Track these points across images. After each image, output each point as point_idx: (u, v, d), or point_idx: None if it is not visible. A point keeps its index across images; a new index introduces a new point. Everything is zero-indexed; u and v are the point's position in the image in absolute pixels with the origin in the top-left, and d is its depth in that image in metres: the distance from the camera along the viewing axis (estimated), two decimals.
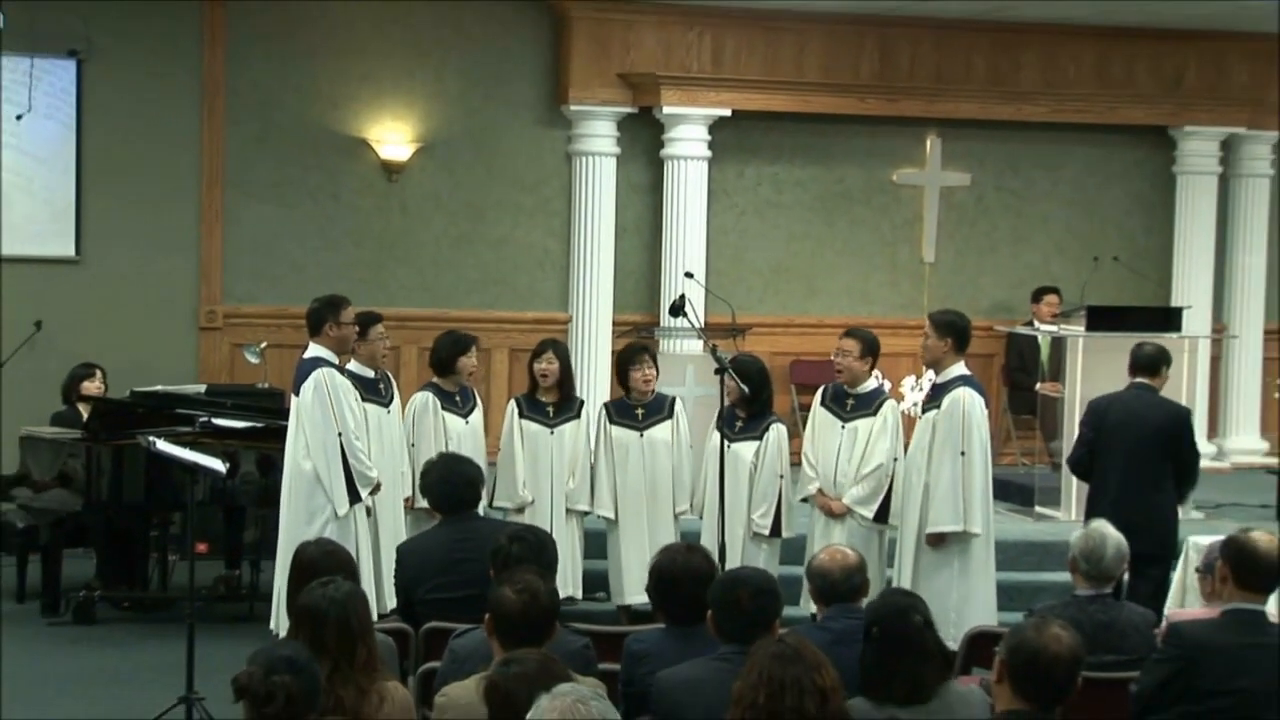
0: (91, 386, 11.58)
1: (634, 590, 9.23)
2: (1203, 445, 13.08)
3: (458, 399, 9.67)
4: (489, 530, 7.22)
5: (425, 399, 9.63)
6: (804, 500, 9.48)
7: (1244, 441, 14.45)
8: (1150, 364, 9.61)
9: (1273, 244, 14.68)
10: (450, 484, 7.82)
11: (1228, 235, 14.57)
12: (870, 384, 9.41)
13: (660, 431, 9.73)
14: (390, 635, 6.63)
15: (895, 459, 9.20)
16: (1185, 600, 8.70)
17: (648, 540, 9.15)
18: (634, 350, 9.98)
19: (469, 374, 9.85)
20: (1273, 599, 6.61)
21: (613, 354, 12.56)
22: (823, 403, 9.49)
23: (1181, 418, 9.66)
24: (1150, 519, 9.03)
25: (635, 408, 9.76)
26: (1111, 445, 9.38)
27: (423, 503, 9.27)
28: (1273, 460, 13.51)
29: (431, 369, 9.84)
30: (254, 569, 10.98)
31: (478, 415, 9.78)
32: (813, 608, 6.54)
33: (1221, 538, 6.87)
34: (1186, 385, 11.79)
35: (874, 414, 9.26)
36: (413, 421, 9.60)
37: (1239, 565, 6.55)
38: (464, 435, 9.52)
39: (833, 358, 9.58)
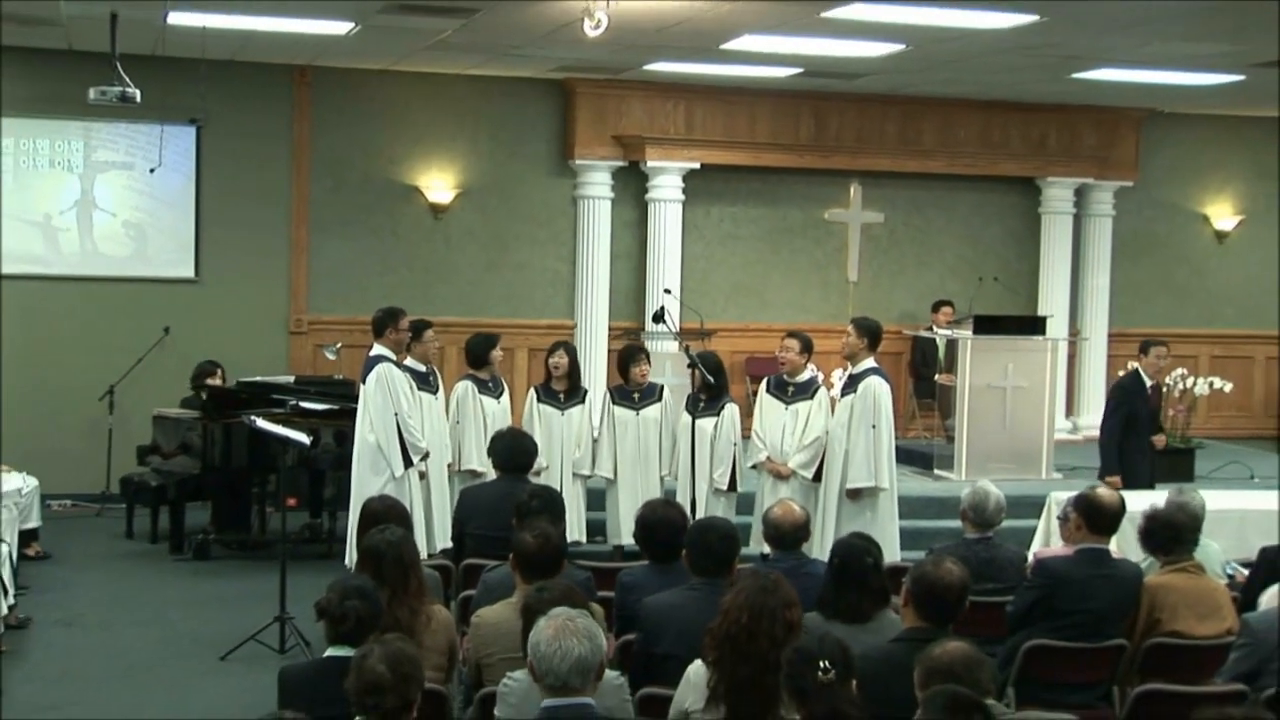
0: (215, 380, 11.60)
1: (625, 535, 9.23)
2: (1062, 422, 13.20)
3: (490, 385, 9.63)
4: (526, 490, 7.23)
5: (466, 386, 9.60)
6: (753, 467, 9.47)
7: (1093, 419, 14.37)
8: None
9: (1114, 268, 14.70)
10: (512, 451, 7.88)
11: (1080, 261, 14.55)
12: (807, 374, 9.44)
13: (652, 412, 9.73)
14: (436, 570, 6.66)
15: (826, 432, 9.21)
16: (1049, 541, 8.72)
17: (637, 495, 9.13)
18: (634, 350, 9.98)
19: (498, 363, 9.81)
20: (1113, 540, 6.65)
21: (609, 352, 12.63)
22: (768, 390, 9.50)
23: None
24: None
25: (633, 393, 9.75)
26: None
27: (466, 465, 9.41)
28: None
29: (468, 363, 9.82)
30: (331, 518, 11.00)
31: (506, 397, 9.74)
32: (764, 548, 6.55)
33: (1075, 494, 6.93)
34: (1050, 377, 11.86)
35: (811, 398, 9.29)
36: (457, 404, 9.55)
37: (1088, 514, 6.60)
38: (496, 413, 9.48)
39: (777, 354, 9.62)
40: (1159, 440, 10.32)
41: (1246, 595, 6.87)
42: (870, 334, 9.19)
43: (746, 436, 9.63)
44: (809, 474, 9.20)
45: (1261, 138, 15.19)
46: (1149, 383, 10.46)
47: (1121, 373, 12.27)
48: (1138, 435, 10.38)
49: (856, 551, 5.41)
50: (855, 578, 5.32)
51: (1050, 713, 4.45)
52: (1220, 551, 7.51)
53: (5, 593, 8.57)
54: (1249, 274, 15.37)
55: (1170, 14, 9.13)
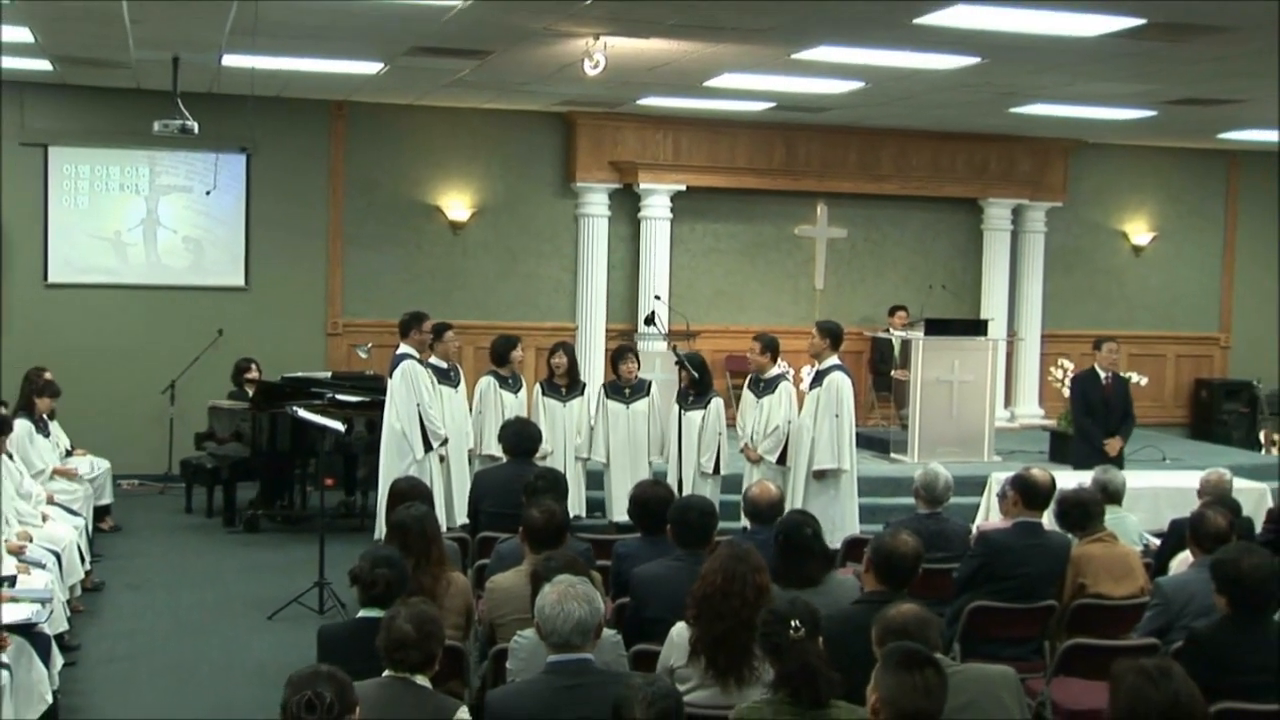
0: (253, 375, 11.60)
1: (620, 511, 9.21)
2: (1001, 412, 13.20)
3: (510, 381, 9.58)
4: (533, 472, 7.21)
5: (488, 381, 9.54)
6: (741, 451, 9.43)
7: (1028, 409, 14.48)
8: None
9: (1046, 278, 14.69)
10: (519, 437, 7.85)
11: (1017, 271, 14.53)
12: (774, 371, 9.37)
13: (640, 405, 9.67)
14: (455, 541, 6.66)
15: (789, 421, 9.17)
16: (990, 516, 8.73)
17: (629, 477, 9.12)
18: (624, 350, 9.92)
19: (517, 362, 9.75)
20: (1046, 514, 6.66)
21: (606, 352, 12.59)
22: (748, 386, 9.48)
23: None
24: None
25: (623, 388, 9.69)
26: None
27: (485, 450, 9.37)
28: (1047, 422, 13.54)
29: (491, 360, 9.76)
30: (363, 496, 10.99)
31: (524, 393, 9.68)
32: (745, 522, 6.54)
33: (1012, 474, 6.93)
34: (991, 372, 11.87)
35: (774, 393, 9.24)
36: (480, 396, 9.51)
37: (1024, 492, 6.61)
38: (514, 406, 9.43)
39: (746, 353, 9.62)
40: (1113, 445, 10.08)
41: (1159, 561, 6.90)
42: (832, 335, 9.20)
43: (731, 425, 9.60)
44: (773, 458, 9.16)
45: (1171, 165, 15.26)
46: (1103, 375, 10.39)
47: (1055, 369, 12.33)
48: (1096, 421, 10.30)
49: (796, 526, 5.39)
50: (798, 548, 5.30)
51: (990, 664, 4.44)
52: (1138, 523, 7.52)
53: (83, 560, 8.60)
54: (1161, 283, 15.39)
55: (1093, 58, 9.14)
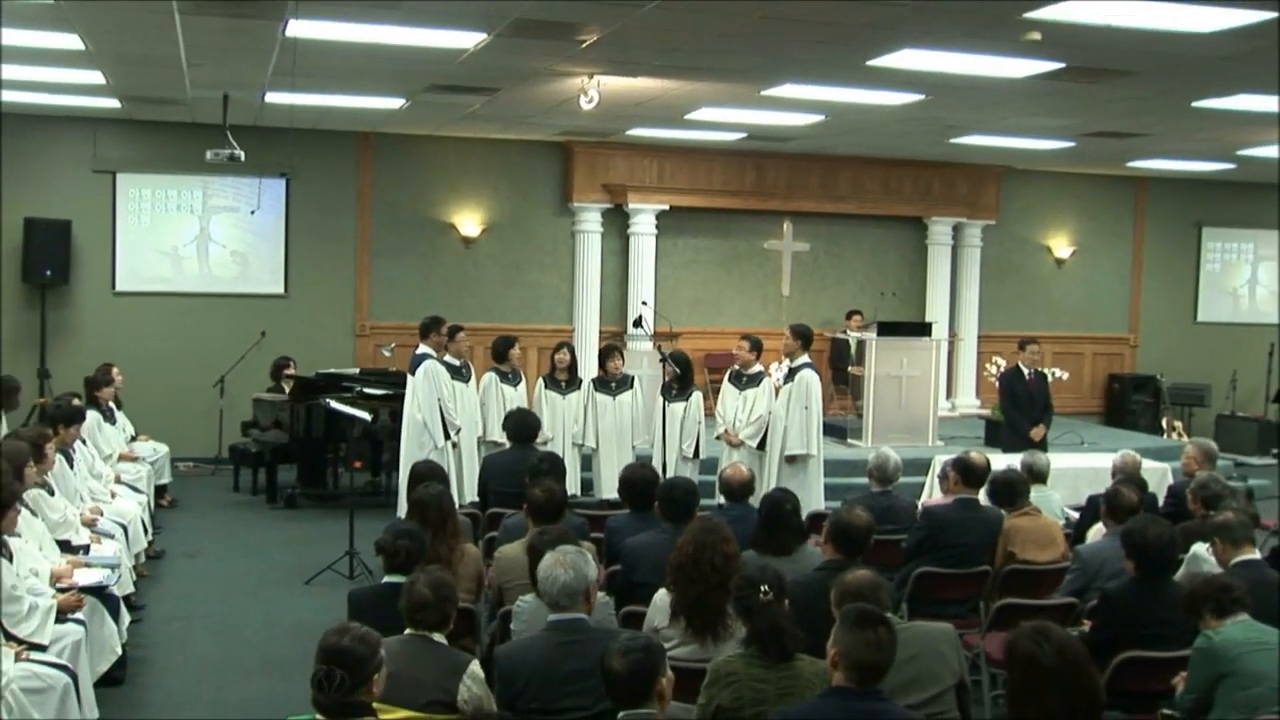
0: (290, 371, 11.55)
1: (610, 490, 9.15)
2: (944, 403, 13.20)
3: (510, 376, 9.53)
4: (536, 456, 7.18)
5: (490, 377, 9.51)
6: (717, 438, 9.41)
7: (966, 400, 14.50)
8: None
9: (982, 286, 14.67)
10: (520, 425, 7.82)
11: (956, 281, 14.53)
12: (757, 368, 9.33)
13: (626, 397, 9.59)
14: (467, 517, 6.62)
15: (769, 411, 9.15)
16: (933, 493, 8.72)
17: (615, 461, 9.07)
18: (610, 348, 9.84)
19: (516, 359, 9.70)
20: (982, 491, 6.65)
21: (599, 351, 12.54)
22: (729, 379, 9.39)
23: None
24: None
25: (610, 382, 9.62)
26: None
27: (490, 437, 9.32)
28: (983, 411, 13.55)
29: (492, 358, 9.74)
30: (387, 477, 10.93)
31: (523, 386, 9.65)
32: (720, 500, 6.54)
33: (953, 457, 6.93)
34: (934, 368, 11.87)
35: (758, 386, 9.20)
36: (483, 390, 9.48)
37: (963, 472, 6.61)
38: (514, 398, 9.39)
39: (734, 351, 9.56)
40: (1037, 433, 10.09)
41: (1077, 532, 6.90)
42: (804, 337, 9.18)
43: (709, 415, 9.56)
44: (754, 443, 9.13)
45: (1088, 189, 15.27)
46: (1027, 371, 10.40)
47: (989, 366, 12.31)
48: (1020, 411, 10.31)
49: (778, 502, 5.39)
50: (778, 521, 5.29)
51: (933, 622, 4.43)
52: (1059, 499, 7.53)
53: (146, 531, 8.58)
54: (1080, 291, 15.40)
55: (1020, 96, 9.14)
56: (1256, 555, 5.18)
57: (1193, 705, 4.31)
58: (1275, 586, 4.95)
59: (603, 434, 9.55)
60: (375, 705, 3.62)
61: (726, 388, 9.39)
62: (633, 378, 9.80)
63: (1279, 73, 7.72)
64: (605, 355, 9.73)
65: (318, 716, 3.35)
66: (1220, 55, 7.43)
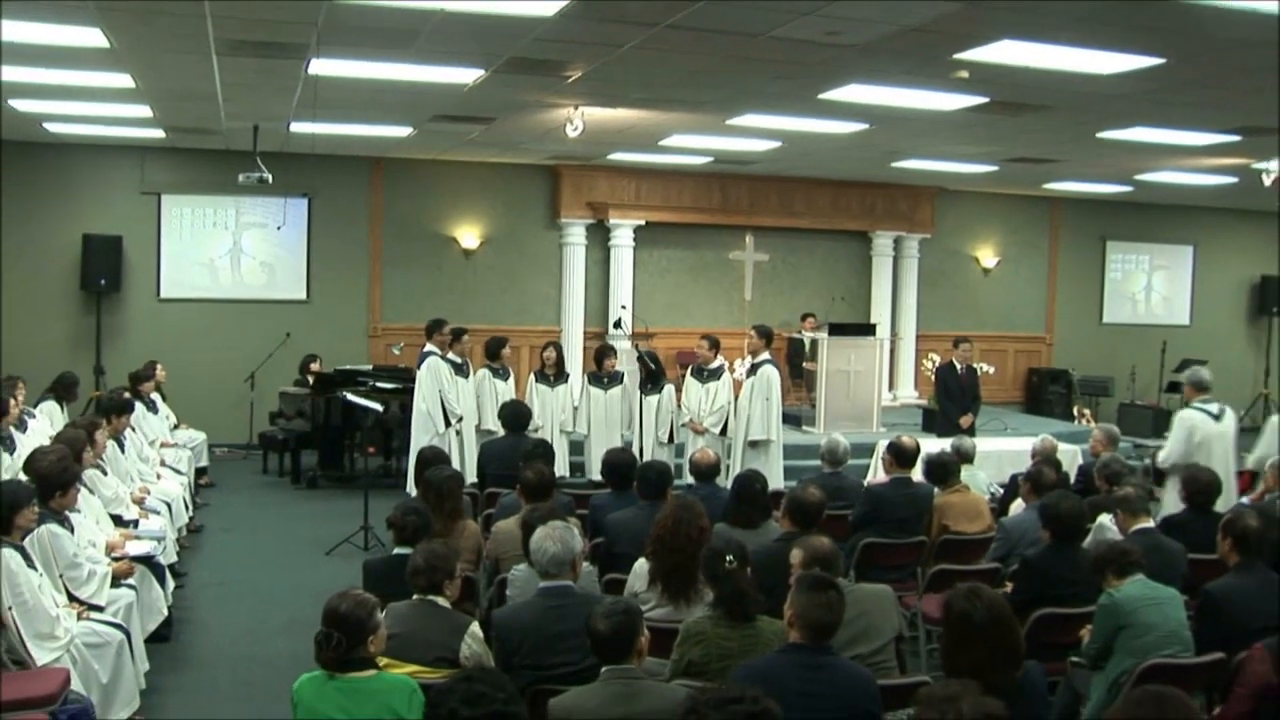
0: (315, 367, 11.47)
1: (595, 471, 9.15)
2: (886, 395, 13.21)
3: (501, 372, 9.48)
4: (529, 442, 7.15)
5: (484, 373, 9.43)
6: (683, 426, 9.39)
7: (906, 392, 14.51)
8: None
9: (919, 291, 14.67)
10: (515, 415, 7.77)
11: (897, 287, 14.53)
12: (717, 363, 9.34)
13: (615, 391, 9.57)
14: (468, 496, 6.57)
15: (729, 402, 9.14)
16: (877, 474, 8.74)
17: (605, 446, 9.01)
18: (606, 349, 9.80)
19: (506, 357, 9.64)
20: (916, 470, 6.66)
21: (584, 348, 12.53)
22: (692, 374, 9.41)
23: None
24: None
25: (603, 378, 9.61)
26: None
27: (485, 426, 9.27)
28: (920, 401, 13.57)
29: (486, 356, 9.67)
30: (397, 461, 10.83)
31: (512, 380, 9.59)
32: (690, 479, 6.53)
33: (890, 441, 6.93)
34: (878, 364, 11.87)
35: (718, 379, 9.19)
36: (477, 384, 9.42)
37: (895, 455, 6.61)
38: (505, 391, 9.35)
39: (695, 349, 9.56)
40: (966, 420, 10.13)
41: (1001, 506, 6.93)
42: (766, 336, 9.19)
43: (678, 407, 9.54)
44: (716, 430, 9.13)
45: (1011, 207, 15.31)
46: (959, 367, 10.42)
47: (926, 361, 12.34)
48: (952, 401, 10.35)
49: (749, 480, 5.37)
50: (748, 498, 5.28)
51: (876, 585, 4.43)
52: (986, 478, 7.55)
53: (187, 508, 8.53)
54: (1003, 296, 15.44)
55: (951, 126, 9.16)
56: (1151, 524, 5.27)
57: (1096, 653, 4.39)
58: (1167, 550, 5.00)
59: (594, 422, 9.53)
60: (388, 661, 3.61)
61: (690, 382, 9.36)
62: (622, 374, 9.78)
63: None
64: (603, 355, 9.71)
65: (323, 671, 3.35)
66: (1120, 94, 7.51)
